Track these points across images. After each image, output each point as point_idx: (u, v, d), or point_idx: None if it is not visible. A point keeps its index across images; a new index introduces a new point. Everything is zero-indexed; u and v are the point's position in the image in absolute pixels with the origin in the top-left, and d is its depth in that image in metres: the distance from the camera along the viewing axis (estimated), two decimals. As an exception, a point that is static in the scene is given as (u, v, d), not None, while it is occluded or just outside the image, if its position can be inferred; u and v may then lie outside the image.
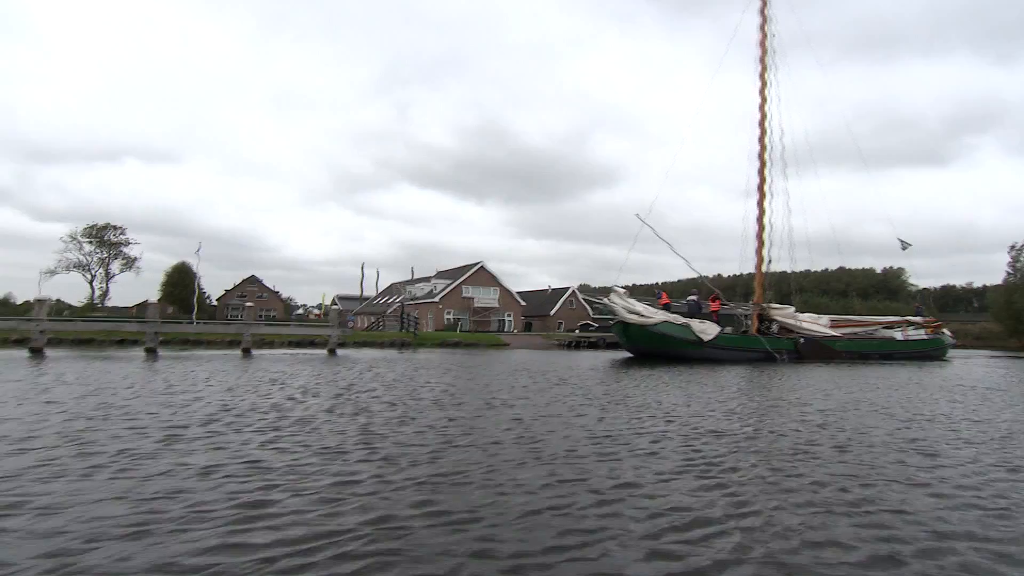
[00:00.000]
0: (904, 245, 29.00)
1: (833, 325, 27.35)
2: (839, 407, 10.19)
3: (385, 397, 10.36)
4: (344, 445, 6.20)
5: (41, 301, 22.20)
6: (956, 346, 33.83)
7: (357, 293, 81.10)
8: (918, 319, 30.22)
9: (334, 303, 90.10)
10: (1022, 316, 49.01)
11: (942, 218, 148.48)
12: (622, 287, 23.46)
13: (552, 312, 65.71)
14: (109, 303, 69.66)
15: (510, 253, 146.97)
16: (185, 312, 67.95)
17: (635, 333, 22.85)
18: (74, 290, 70.67)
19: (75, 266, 67.59)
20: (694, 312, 24.72)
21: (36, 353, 21.11)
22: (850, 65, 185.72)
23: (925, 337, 28.91)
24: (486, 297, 60.22)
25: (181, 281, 72.97)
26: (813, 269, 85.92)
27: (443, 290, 58.11)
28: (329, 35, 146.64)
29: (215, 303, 78.10)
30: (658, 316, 22.61)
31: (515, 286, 70.18)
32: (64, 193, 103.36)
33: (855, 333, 27.93)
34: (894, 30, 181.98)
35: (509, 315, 61.93)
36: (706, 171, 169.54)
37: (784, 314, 25.90)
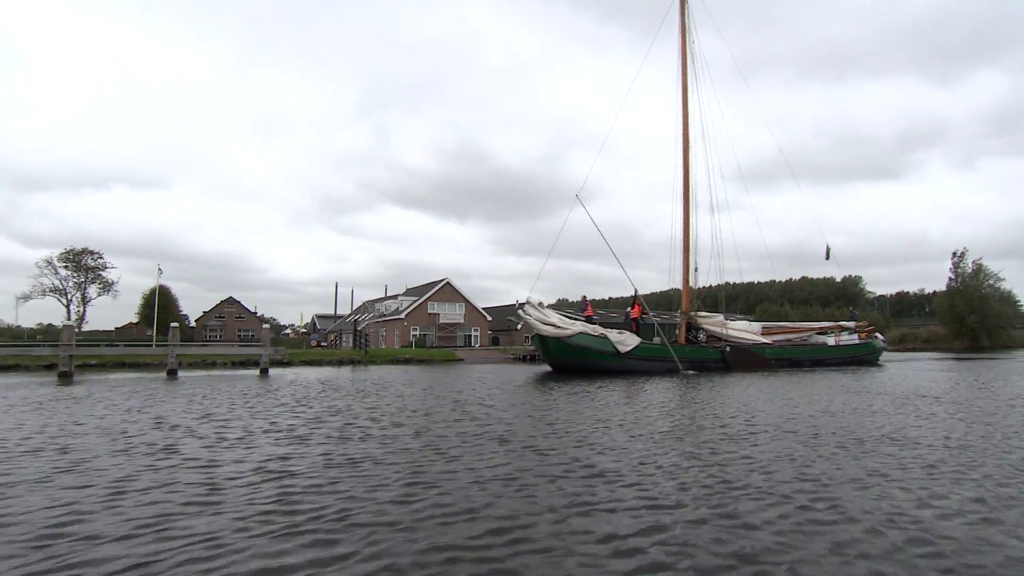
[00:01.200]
0: (828, 252, 28.08)
1: (765, 332, 26.20)
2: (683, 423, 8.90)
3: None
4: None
5: (68, 325, 20.44)
6: (901, 349, 32.65)
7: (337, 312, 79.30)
8: (850, 324, 29.21)
9: (313, 322, 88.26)
10: (964, 319, 48.45)
11: (897, 229, 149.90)
12: (538, 299, 21.94)
13: (520, 327, 64.30)
14: (87, 327, 67.62)
15: (492, 271, 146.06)
16: (163, 335, 66.21)
17: (552, 346, 21.28)
18: (52, 314, 68.57)
19: (51, 291, 65.44)
20: (633, 322, 23.45)
21: (66, 378, 19.71)
22: (810, 85, 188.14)
23: (857, 342, 27.84)
24: (452, 313, 58.89)
25: (160, 303, 70.89)
26: (777, 279, 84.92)
27: (409, 307, 56.69)
28: (309, 61, 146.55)
29: (193, 324, 76.03)
30: (574, 327, 21.04)
31: (495, 303, 68.90)
32: (52, 220, 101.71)
33: (788, 340, 26.74)
34: (847, 53, 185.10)
35: (476, 330, 60.56)
36: (675, 185, 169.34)
37: (712, 322, 24.58)
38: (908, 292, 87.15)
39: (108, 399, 12.59)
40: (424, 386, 16.25)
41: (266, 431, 8.33)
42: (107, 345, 27.95)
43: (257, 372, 24.57)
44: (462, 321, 59.09)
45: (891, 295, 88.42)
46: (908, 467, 5.90)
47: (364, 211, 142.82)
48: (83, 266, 67.16)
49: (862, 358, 27.40)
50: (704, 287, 25.97)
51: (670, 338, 24.12)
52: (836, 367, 24.86)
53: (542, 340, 21.32)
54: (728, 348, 23.19)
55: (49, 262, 65.42)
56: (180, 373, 22.28)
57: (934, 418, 9.43)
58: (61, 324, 66.94)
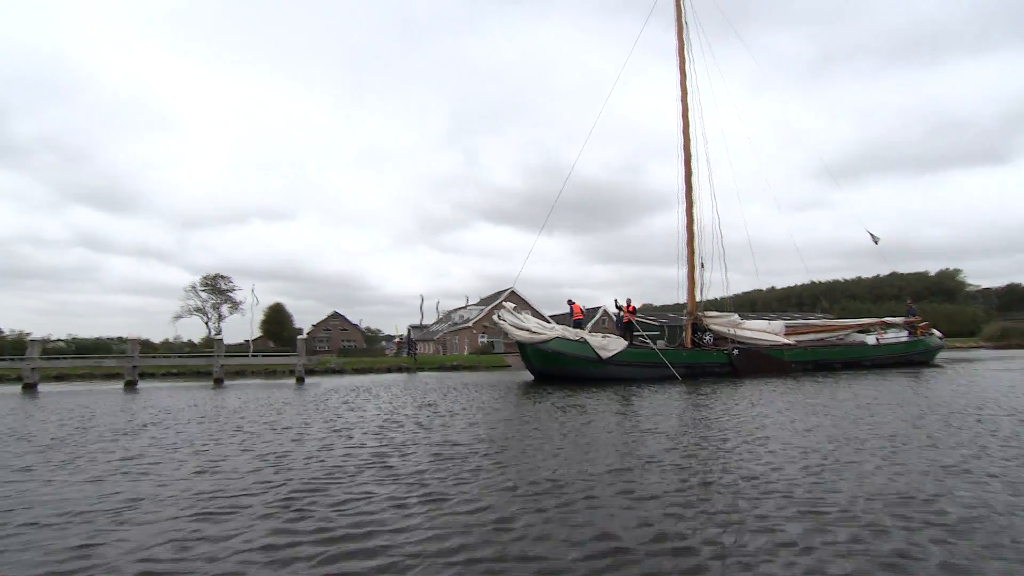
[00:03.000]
0: (875, 239, 23.83)
1: (790, 332, 22.58)
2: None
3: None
4: None
5: (34, 342, 22.82)
6: (1001, 346, 26.53)
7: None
8: (896, 320, 24.52)
9: (408, 332, 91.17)
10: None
11: (1003, 216, 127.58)
12: (513, 305, 20.14)
13: (587, 329, 62.10)
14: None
15: (581, 279, 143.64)
16: (282, 346, 71.61)
17: (531, 353, 19.18)
18: (195, 330, 76.85)
19: (195, 310, 72.91)
20: (624, 327, 21.14)
21: (29, 389, 21.63)
22: (896, 72, 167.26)
23: (904, 340, 23.30)
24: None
25: (277, 319, 76.81)
26: (864, 276, 75.95)
27: (477, 316, 56.66)
28: (403, 96, 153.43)
29: (305, 337, 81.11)
30: (550, 332, 19.00)
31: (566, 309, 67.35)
32: (209, 251, 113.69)
33: (819, 340, 22.90)
34: (939, 33, 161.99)
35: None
36: (761, 187, 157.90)
37: (720, 322, 21.40)
38: (1019, 284, 73.19)
39: (266, 398, 14.67)
40: (396, 394, 15.57)
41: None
42: (249, 355, 31.26)
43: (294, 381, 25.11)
44: (528, 328, 57.84)
45: (999, 287, 75.03)
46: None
47: (460, 229, 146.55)
48: (217, 289, 74.28)
49: (911, 358, 22.92)
50: (786, 287, 22.95)
51: (676, 341, 21.41)
52: (876, 369, 20.88)
53: (522, 347, 19.55)
54: (735, 351, 20.09)
55: (193, 286, 73.26)
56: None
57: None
58: (208, 338, 74.59)
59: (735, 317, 21.95)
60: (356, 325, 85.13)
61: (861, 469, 5.53)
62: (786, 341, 21.56)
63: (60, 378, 27.30)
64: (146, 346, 71.51)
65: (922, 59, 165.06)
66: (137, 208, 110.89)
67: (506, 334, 19.63)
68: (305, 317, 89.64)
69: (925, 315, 29.48)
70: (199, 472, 6.03)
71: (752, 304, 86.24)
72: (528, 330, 18.70)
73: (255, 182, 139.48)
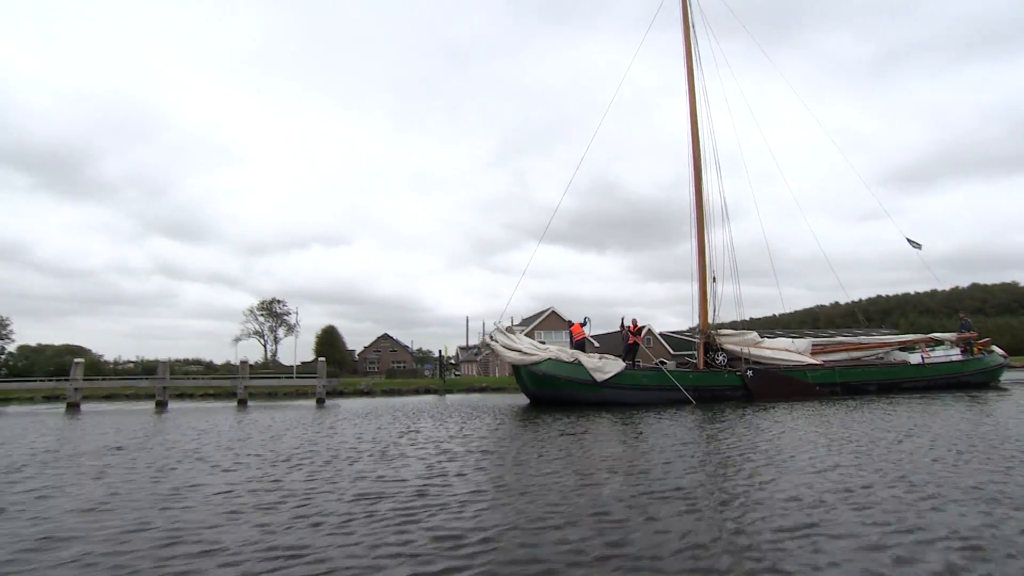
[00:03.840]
0: (915, 245, 21.71)
1: (818, 350, 20.74)
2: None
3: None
4: None
5: (77, 363, 24.45)
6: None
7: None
8: (947, 336, 22.04)
9: (457, 353, 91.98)
10: None
11: None
12: (507, 324, 19.47)
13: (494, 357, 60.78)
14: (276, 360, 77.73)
15: (635, 298, 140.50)
16: (333, 366, 74.31)
17: (524, 375, 18.29)
18: (256, 352, 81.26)
19: (254, 333, 76.77)
20: (628, 347, 20.08)
21: (72, 408, 23.13)
22: (967, 68, 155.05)
23: (957, 359, 20.89)
24: (556, 340, 57.17)
25: (329, 340, 79.54)
26: (940, 288, 70.37)
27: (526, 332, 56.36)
28: (451, 120, 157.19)
29: (356, 358, 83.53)
30: (542, 353, 18.08)
31: (615, 328, 66.15)
32: (272, 276, 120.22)
33: (855, 359, 20.90)
34: (1018, 20, 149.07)
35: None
36: (820, 198, 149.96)
37: (736, 341, 19.88)
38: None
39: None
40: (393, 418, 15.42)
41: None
42: (273, 377, 32.55)
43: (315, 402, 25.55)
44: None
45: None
46: None
47: (511, 250, 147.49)
48: (273, 312, 78.05)
49: (965, 379, 20.48)
50: (850, 302, 21.46)
51: (680, 362, 20.07)
52: (920, 392, 18.77)
53: (516, 370, 18.88)
54: (750, 372, 18.59)
55: (251, 310, 77.34)
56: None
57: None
58: (266, 360, 78.33)
59: (753, 335, 20.42)
60: (406, 346, 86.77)
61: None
62: (811, 361, 19.79)
63: (110, 397, 29.25)
64: (209, 368, 76.09)
65: (1002, 50, 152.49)
66: (208, 237, 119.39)
67: (497, 354, 19.12)
68: (361, 339, 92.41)
69: (985, 330, 26.38)
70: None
71: (814, 320, 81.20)
72: (519, 351, 18.03)
73: (314, 209, 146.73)
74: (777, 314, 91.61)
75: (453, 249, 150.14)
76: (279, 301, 78.65)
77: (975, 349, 21.90)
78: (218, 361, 78.29)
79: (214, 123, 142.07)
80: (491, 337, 18.75)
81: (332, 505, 5.17)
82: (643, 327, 19.97)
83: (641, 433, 10.14)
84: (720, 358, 19.59)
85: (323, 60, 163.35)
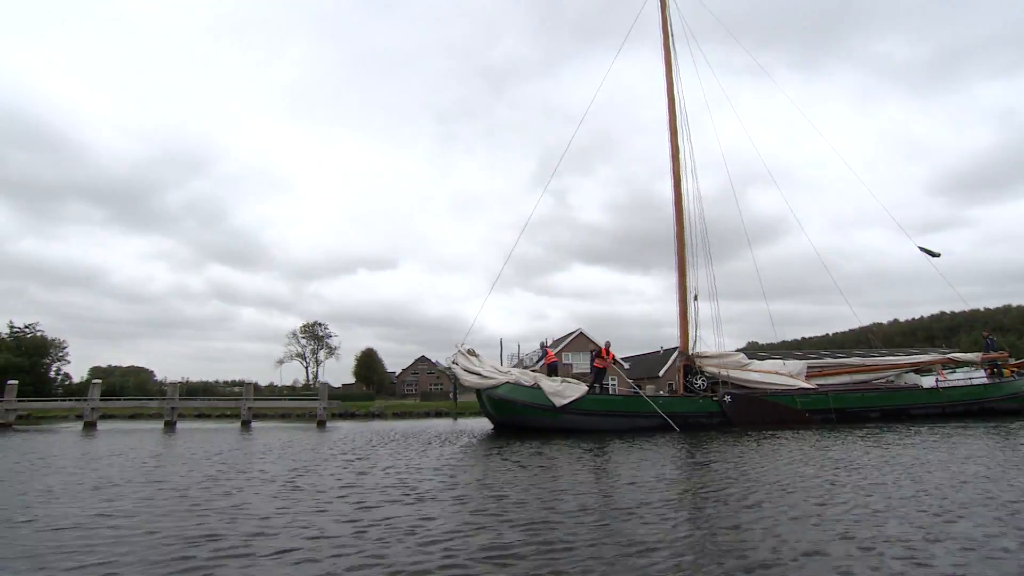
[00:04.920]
0: (932, 254, 19.94)
1: (816, 373, 19.19)
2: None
3: None
4: None
5: (95, 384, 26.07)
6: None
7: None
8: (970, 356, 19.88)
9: (452, 377, 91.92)
10: None
11: None
12: (468, 347, 18.69)
13: (661, 373, 58.83)
14: (319, 384, 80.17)
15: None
16: (371, 388, 75.88)
17: (485, 400, 17.85)
18: (299, 374, 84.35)
19: (296, 355, 79.64)
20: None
21: (89, 427, 24.56)
22: None
23: (980, 382, 18.80)
24: (584, 362, 56.24)
25: (368, 363, 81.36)
26: (1015, 304, 64.69)
27: (543, 358, 55.71)
28: (490, 143, 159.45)
29: (395, 380, 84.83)
30: (501, 377, 17.46)
31: (651, 350, 64.82)
32: (321, 299, 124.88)
33: (859, 382, 19.19)
34: None
35: (613, 378, 56.72)
36: (874, 210, 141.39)
37: (718, 363, 18.63)
38: None
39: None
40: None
41: None
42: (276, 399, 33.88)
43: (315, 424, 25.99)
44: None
45: None
46: None
47: (554, 271, 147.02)
48: (315, 335, 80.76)
49: (988, 405, 18.36)
50: (912, 319, 20.22)
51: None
52: (932, 420, 16.96)
53: (478, 394, 18.42)
54: (727, 397, 17.35)
55: (294, 333, 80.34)
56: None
57: None
58: (307, 382, 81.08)
59: (738, 357, 19.15)
60: (445, 370, 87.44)
61: None
62: (804, 385, 18.32)
63: (134, 417, 30.98)
64: (256, 390, 79.45)
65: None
66: (260, 263, 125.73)
67: (458, 377, 18.79)
68: (404, 361, 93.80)
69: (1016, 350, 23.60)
70: None
71: (868, 340, 76.02)
72: (478, 375, 17.64)
73: (360, 234, 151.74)
74: (831, 333, 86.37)
75: (496, 271, 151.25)
76: (321, 324, 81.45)
77: (1007, 371, 19.65)
78: (263, 383, 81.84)
79: (264, 154, 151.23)
80: (453, 360, 18.47)
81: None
82: (613, 355, 19.13)
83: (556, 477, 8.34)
84: (699, 382, 18.46)
85: (366, 90, 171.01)
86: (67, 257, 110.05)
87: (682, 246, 19.96)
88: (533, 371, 20.14)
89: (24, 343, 44.59)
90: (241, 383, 78.93)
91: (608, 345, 19.20)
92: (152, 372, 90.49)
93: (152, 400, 29.03)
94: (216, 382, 72.74)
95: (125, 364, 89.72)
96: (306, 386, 79.04)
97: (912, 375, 19.60)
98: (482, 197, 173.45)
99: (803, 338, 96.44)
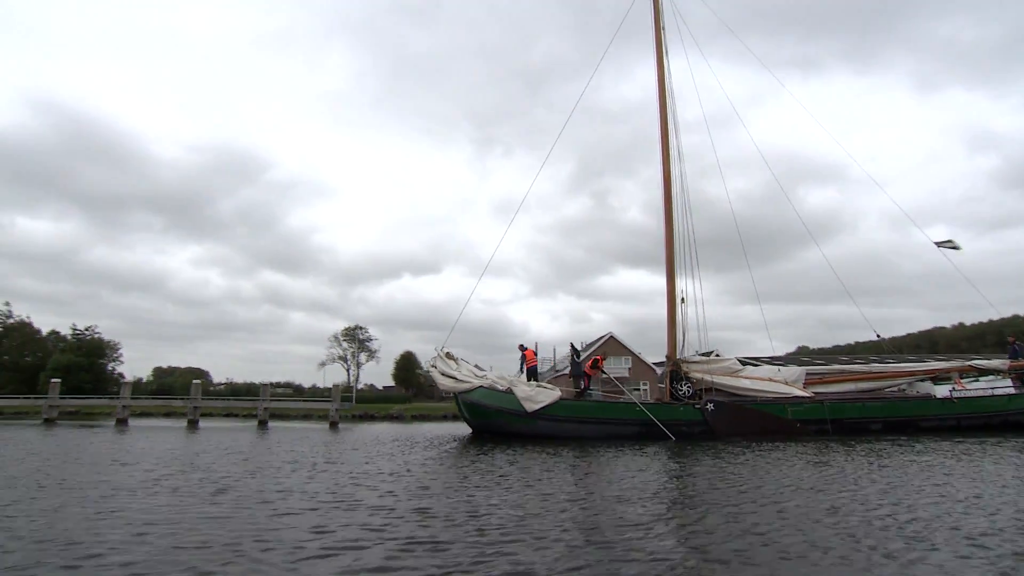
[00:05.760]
0: (952, 246, 18.58)
1: (815, 381, 18.14)
2: None
3: None
4: None
5: (125, 383, 27.97)
6: None
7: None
8: (994, 363, 18.25)
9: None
10: None
11: None
12: (447, 350, 18.58)
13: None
14: (360, 386, 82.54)
15: (731, 321, 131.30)
16: (410, 391, 77.45)
17: (461, 404, 17.80)
18: (341, 376, 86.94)
19: (338, 358, 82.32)
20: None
21: (121, 424, 26.30)
22: None
23: (1004, 392, 17.24)
24: (616, 367, 55.36)
25: (407, 366, 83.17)
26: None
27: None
28: (529, 146, 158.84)
29: (433, 383, 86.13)
30: (475, 381, 17.38)
31: (739, 353, 63.62)
32: (367, 304, 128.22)
33: (866, 391, 17.98)
34: None
35: (645, 383, 55.90)
36: (938, 205, 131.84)
37: (706, 369, 17.86)
38: None
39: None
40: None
41: None
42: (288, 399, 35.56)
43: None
44: (627, 375, 55.04)
45: None
46: None
47: (596, 273, 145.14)
48: (356, 339, 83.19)
49: (1012, 418, 16.80)
50: (979, 323, 19.34)
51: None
52: (944, 433, 15.72)
53: (456, 398, 18.44)
54: (710, 405, 16.61)
55: (335, 336, 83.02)
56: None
57: None
58: (347, 384, 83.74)
59: (730, 362, 18.39)
60: (425, 372, 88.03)
61: None
62: (799, 393, 17.36)
63: (168, 415, 33.00)
64: (297, 391, 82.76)
65: None
66: (308, 268, 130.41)
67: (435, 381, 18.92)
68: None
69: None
70: None
71: (933, 344, 70.81)
72: (453, 378, 17.71)
73: (405, 239, 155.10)
74: (886, 337, 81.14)
75: (538, 274, 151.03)
76: (361, 328, 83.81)
77: (1036, 380, 17.94)
78: (307, 384, 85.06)
79: (310, 161, 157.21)
80: (432, 364, 18.67)
81: None
82: (594, 359, 18.93)
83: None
84: (683, 389, 17.82)
85: (405, 95, 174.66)
86: (133, 263, 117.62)
87: (671, 250, 19.41)
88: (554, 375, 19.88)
89: (85, 344, 48.52)
90: (287, 385, 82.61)
91: (603, 357, 19.21)
92: (208, 373, 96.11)
93: (176, 399, 30.86)
94: (262, 384, 76.37)
95: (184, 365, 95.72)
96: (347, 388, 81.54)
97: (926, 384, 18.18)
98: (521, 199, 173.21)
99: (856, 342, 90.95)
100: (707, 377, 17.80)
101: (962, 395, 17.35)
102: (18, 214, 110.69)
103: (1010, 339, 19.14)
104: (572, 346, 20.06)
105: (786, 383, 17.73)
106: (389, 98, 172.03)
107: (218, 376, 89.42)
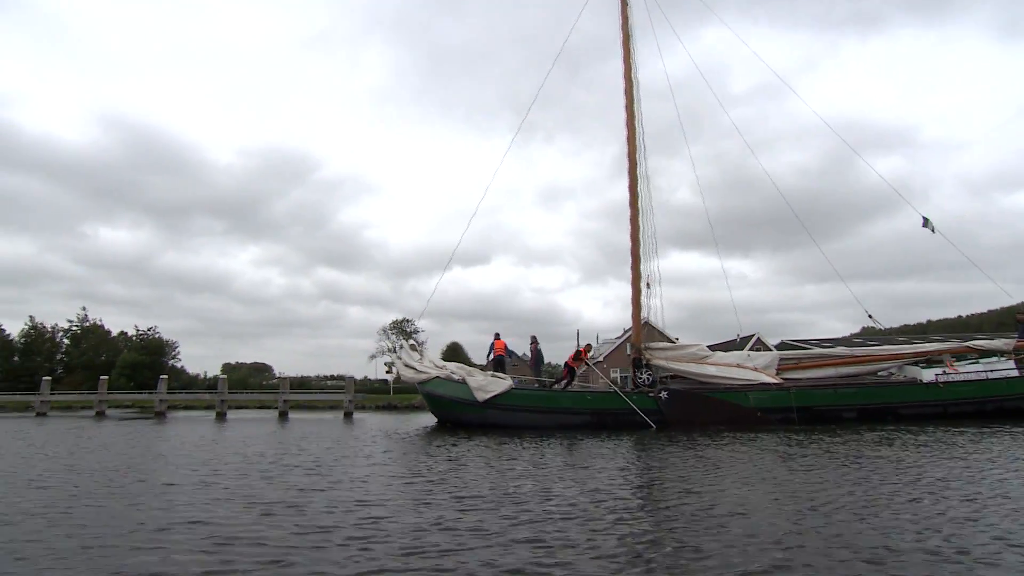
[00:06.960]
0: (929, 225, 17.24)
1: (790, 367, 17.29)
2: None
3: None
4: None
5: (161, 379, 30.61)
6: None
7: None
8: (997, 344, 16.68)
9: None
10: None
11: None
12: (412, 342, 19.16)
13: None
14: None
15: (791, 302, 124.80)
16: (457, 381, 79.66)
17: (423, 394, 18.42)
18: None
19: (387, 351, 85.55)
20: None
21: (159, 416, 28.98)
22: None
23: (1001, 376, 15.79)
24: (649, 354, 54.44)
25: (453, 357, 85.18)
26: None
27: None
28: (572, 130, 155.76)
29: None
30: (432, 371, 17.82)
31: (800, 335, 61.72)
32: (419, 296, 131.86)
33: (846, 376, 16.98)
34: None
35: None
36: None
37: (670, 355, 17.42)
38: None
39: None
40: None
41: None
42: (308, 392, 37.76)
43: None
44: (660, 362, 54.01)
45: None
46: None
47: (646, 257, 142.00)
48: (403, 331, 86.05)
49: (1011, 404, 15.36)
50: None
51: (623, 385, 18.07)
52: (926, 421, 14.74)
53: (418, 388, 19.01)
54: (664, 393, 16.22)
55: (384, 329, 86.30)
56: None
57: None
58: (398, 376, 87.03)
59: (697, 349, 17.86)
60: (525, 360, 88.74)
61: None
62: (767, 380, 16.65)
63: (187, 408, 35.60)
64: (353, 383, 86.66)
65: None
66: (361, 263, 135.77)
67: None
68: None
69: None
70: None
71: (978, 326, 65.32)
72: (414, 369, 18.26)
73: (454, 231, 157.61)
74: (966, 315, 74.91)
75: (587, 260, 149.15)
76: (408, 320, 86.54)
77: (1040, 361, 16.29)
78: (359, 376, 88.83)
79: (355, 159, 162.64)
80: (397, 356, 19.36)
81: None
82: (577, 352, 18.93)
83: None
84: (643, 376, 17.52)
85: (444, 87, 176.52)
86: (200, 266, 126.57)
87: (636, 232, 19.04)
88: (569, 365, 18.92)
89: (147, 343, 53.38)
90: (341, 377, 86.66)
91: (588, 347, 19.26)
92: (271, 368, 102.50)
93: (203, 393, 33.47)
94: (316, 376, 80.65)
95: (250, 361, 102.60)
96: (397, 379, 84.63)
97: (914, 368, 16.87)
98: (568, 185, 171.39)
99: (928, 321, 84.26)
100: (670, 364, 17.43)
101: (951, 379, 15.98)
102: (100, 225, 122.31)
103: (1019, 316, 17.35)
104: (533, 338, 20.15)
105: (755, 369, 17.04)
106: (429, 91, 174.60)
107: (281, 370, 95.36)
